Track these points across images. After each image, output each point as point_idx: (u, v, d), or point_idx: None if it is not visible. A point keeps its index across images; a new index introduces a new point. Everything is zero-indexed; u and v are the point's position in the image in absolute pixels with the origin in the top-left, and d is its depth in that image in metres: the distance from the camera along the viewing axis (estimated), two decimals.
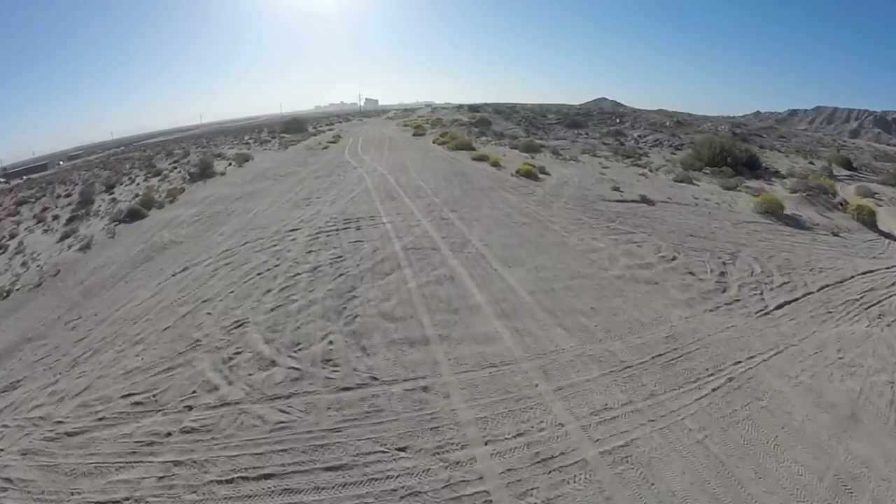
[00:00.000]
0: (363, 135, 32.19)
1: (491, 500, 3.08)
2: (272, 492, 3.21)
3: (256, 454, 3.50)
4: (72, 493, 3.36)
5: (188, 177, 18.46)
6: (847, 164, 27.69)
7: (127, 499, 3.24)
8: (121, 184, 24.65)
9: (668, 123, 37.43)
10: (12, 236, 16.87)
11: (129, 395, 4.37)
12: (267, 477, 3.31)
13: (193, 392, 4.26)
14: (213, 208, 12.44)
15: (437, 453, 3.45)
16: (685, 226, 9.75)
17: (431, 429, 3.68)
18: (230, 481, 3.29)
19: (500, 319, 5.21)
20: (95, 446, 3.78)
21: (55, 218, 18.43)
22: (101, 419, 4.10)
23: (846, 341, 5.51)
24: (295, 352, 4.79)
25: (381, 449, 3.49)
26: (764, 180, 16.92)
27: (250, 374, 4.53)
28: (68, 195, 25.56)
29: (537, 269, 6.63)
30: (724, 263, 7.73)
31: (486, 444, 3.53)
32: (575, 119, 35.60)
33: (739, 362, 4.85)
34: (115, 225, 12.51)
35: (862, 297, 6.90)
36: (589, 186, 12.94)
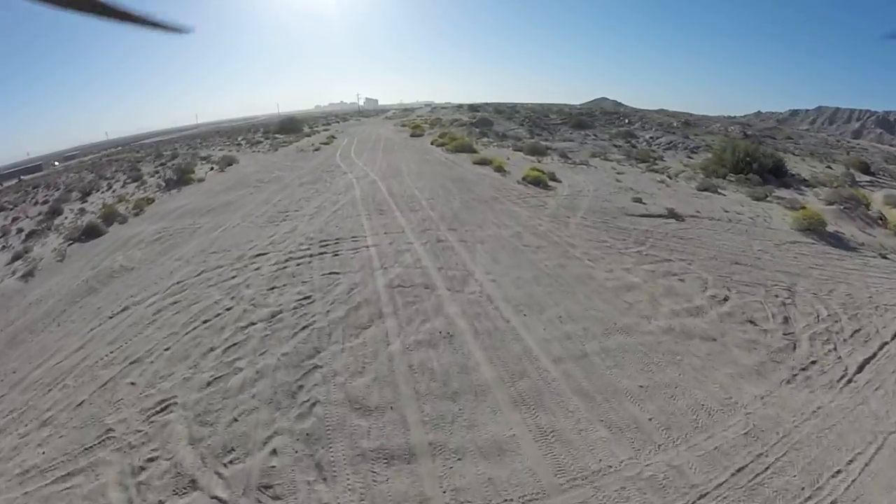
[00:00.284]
0: (359, 135, 30.59)
1: None
2: None
3: None
4: None
5: (163, 184, 16.88)
6: (865, 169, 26.24)
7: None
8: (98, 190, 22.99)
9: (675, 124, 35.85)
10: None
11: None
12: None
13: None
14: (180, 223, 10.91)
15: None
16: (726, 249, 8.25)
17: None
18: None
19: (517, 411, 3.69)
20: None
21: (19, 231, 16.77)
22: None
23: None
24: (225, 465, 3.31)
25: None
26: (794, 189, 15.45)
27: (161, 502, 3.10)
28: (46, 202, 23.86)
29: (561, 320, 5.11)
30: (783, 304, 6.24)
31: None
32: (581, 119, 33.95)
33: (839, 472, 3.42)
34: (69, 245, 10.94)
35: None
36: (607, 197, 11.42)
